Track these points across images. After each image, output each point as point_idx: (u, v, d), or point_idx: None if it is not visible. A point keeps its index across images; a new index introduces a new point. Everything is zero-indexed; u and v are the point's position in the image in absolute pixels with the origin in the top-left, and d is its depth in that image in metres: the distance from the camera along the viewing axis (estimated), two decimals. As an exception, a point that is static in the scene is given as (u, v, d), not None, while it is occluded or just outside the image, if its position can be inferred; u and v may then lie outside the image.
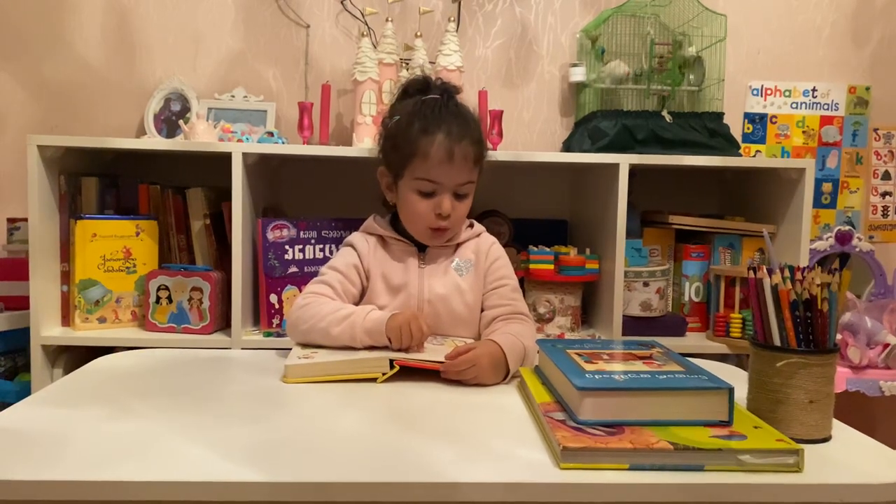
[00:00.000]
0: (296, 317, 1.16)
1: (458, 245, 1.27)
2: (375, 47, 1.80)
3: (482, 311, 1.25)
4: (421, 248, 1.25)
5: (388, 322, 1.10)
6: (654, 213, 1.83)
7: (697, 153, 1.69)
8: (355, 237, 1.28)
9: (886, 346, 1.63)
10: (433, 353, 1.08)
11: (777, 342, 0.84)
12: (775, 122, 2.04)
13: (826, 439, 0.83)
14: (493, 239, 1.30)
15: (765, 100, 2.03)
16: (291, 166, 1.91)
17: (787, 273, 0.85)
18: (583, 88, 1.91)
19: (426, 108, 1.21)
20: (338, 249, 1.31)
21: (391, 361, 1.03)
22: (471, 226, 1.30)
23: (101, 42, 1.95)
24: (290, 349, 1.13)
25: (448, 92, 1.26)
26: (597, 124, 1.74)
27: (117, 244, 1.65)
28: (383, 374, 1.02)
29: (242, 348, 1.56)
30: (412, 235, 1.25)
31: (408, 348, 1.08)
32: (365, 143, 1.74)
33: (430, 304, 1.22)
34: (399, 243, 1.25)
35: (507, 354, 1.06)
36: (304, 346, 1.13)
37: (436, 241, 1.24)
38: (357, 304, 1.23)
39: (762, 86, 2.03)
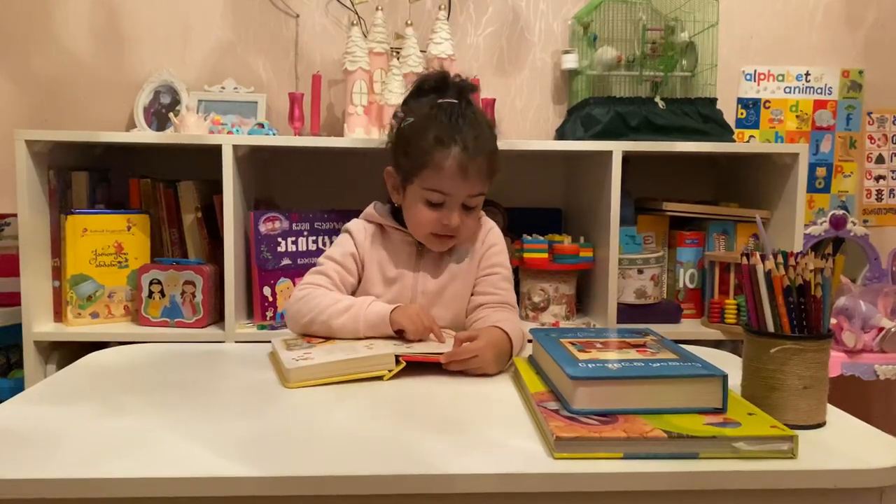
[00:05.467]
0: (295, 309, 1.16)
1: None
2: (366, 36, 1.79)
3: (471, 294, 1.24)
4: None
5: (398, 314, 1.09)
6: (647, 200, 1.82)
7: (691, 139, 1.69)
8: (354, 224, 1.27)
9: (881, 329, 1.63)
10: (434, 345, 1.08)
11: (771, 328, 0.84)
12: (769, 107, 2.03)
13: (820, 425, 0.83)
14: (491, 224, 1.29)
15: (758, 85, 2.02)
16: (283, 158, 1.90)
17: (780, 259, 0.85)
18: (575, 76, 1.90)
19: (442, 115, 1.16)
20: (331, 241, 1.30)
21: (397, 357, 1.01)
22: None
23: (88, 35, 1.93)
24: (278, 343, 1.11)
25: (465, 94, 1.21)
26: (589, 111, 1.73)
27: (109, 239, 1.64)
28: (389, 370, 1.00)
29: (236, 342, 1.56)
30: None
31: (419, 340, 1.08)
32: (357, 133, 1.72)
33: (424, 294, 1.22)
34: (397, 233, 1.24)
35: (513, 343, 1.06)
36: (293, 344, 1.09)
37: (438, 247, 1.21)
38: (354, 292, 1.22)
39: (755, 71, 2.02)
